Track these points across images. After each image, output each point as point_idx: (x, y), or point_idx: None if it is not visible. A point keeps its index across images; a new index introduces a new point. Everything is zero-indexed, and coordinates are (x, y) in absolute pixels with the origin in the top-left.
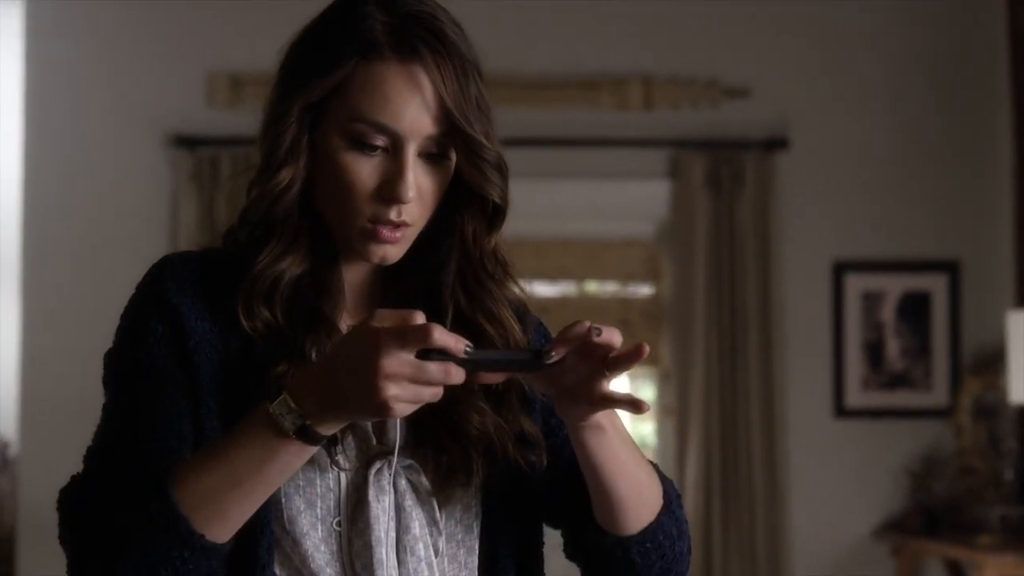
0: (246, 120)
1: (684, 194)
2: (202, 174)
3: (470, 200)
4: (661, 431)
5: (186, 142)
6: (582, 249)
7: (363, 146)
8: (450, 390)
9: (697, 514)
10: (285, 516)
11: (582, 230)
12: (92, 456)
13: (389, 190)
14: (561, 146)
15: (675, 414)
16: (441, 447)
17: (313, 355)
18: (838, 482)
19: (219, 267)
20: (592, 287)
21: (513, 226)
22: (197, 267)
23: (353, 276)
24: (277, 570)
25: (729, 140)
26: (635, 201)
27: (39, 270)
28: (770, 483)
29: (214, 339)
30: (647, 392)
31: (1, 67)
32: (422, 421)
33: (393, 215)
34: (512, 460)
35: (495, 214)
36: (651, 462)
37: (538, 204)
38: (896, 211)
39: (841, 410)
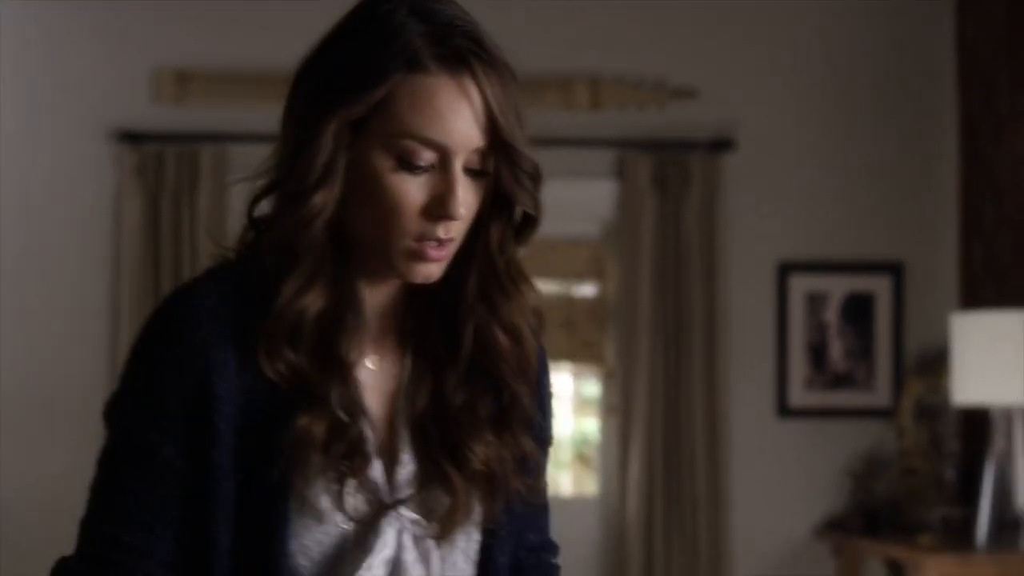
0: (192, 116)
1: (630, 194)
2: (147, 170)
3: (499, 209)
4: (604, 430)
5: (130, 138)
6: (527, 248)
7: (410, 165)
8: (456, 418)
9: (639, 512)
10: (288, 572)
11: None
12: (84, 533)
13: (439, 208)
14: None
15: (619, 413)
16: (448, 486)
17: (331, 402)
18: (781, 481)
19: (241, 298)
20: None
21: None
22: (221, 305)
23: (376, 298)
24: None
25: (675, 141)
26: (581, 201)
27: None
28: (713, 482)
29: (240, 384)
30: (591, 390)
31: None
32: (430, 454)
33: (441, 232)
34: (513, 490)
35: (525, 224)
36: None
37: None
38: (841, 213)
39: (784, 410)
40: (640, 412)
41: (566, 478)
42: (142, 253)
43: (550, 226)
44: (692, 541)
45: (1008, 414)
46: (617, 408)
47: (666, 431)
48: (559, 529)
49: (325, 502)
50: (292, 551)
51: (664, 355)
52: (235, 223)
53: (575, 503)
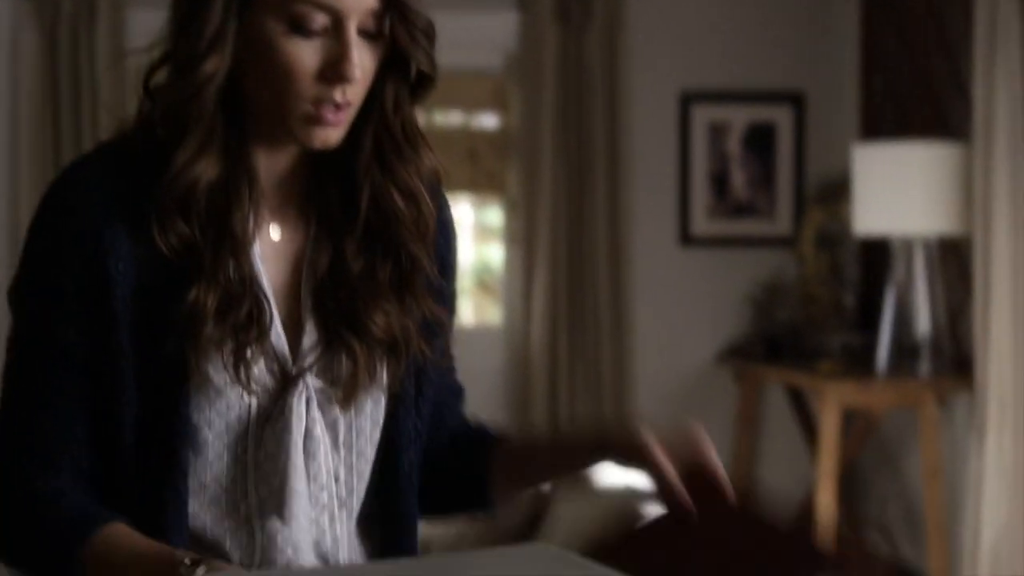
0: None
1: (532, 26)
2: (44, 6)
3: (393, 69)
4: (508, 260)
5: None
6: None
7: (303, 29)
8: (355, 286)
9: (543, 341)
10: (193, 444)
11: None
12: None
13: (334, 71)
14: None
15: (522, 243)
16: (349, 354)
17: (222, 273)
18: (683, 309)
19: (134, 173)
20: (439, 118)
21: None
22: (111, 181)
23: (276, 167)
24: (191, 496)
25: None
26: (483, 32)
27: None
28: (616, 311)
29: (132, 263)
30: (494, 218)
31: None
32: (330, 325)
33: (338, 96)
34: (416, 353)
35: (420, 83)
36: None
37: None
38: (743, 43)
39: (687, 238)
40: (543, 242)
41: (468, 307)
42: (40, 90)
43: (453, 58)
44: (596, 369)
45: (908, 244)
46: (520, 238)
47: (570, 261)
48: (463, 358)
49: (222, 375)
50: (197, 425)
51: (567, 185)
52: (133, 60)
53: (478, 332)
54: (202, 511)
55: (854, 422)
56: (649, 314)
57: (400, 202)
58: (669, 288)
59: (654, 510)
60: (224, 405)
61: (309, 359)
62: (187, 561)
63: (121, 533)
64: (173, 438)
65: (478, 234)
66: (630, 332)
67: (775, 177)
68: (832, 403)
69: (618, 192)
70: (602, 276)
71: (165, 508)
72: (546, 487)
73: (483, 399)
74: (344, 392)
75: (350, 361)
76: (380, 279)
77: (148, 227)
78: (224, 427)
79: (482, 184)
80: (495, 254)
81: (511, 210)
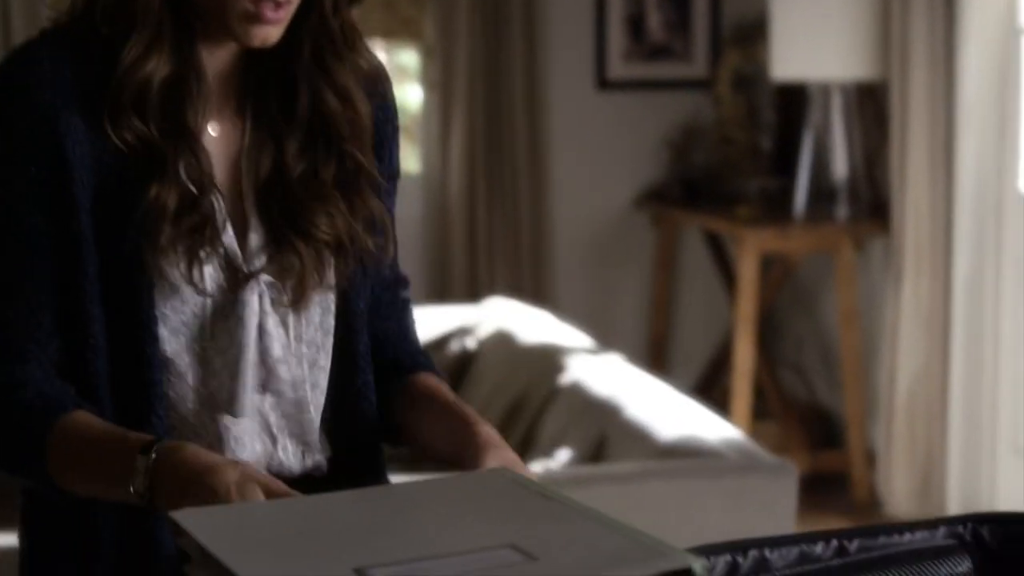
0: None
1: None
2: None
3: None
4: (426, 106)
5: None
6: None
7: None
8: (296, 188)
9: (461, 188)
10: (156, 339)
11: None
12: None
13: None
14: None
15: (439, 89)
16: (296, 253)
17: (180, 172)
18: (600, 153)
19: (85, 60)
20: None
21: None
22: (64, 65)
23: (216, 64)
24: (169, 388)
25: None
26: None
27: None
28: (533, 155)
29: (91, 151)
30: (410, 62)
31: None
32: (275, 225)
33: None
34: (365, 252)
35: None
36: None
37: None
38: None
39: (603, 82)
40: (460, 88)
41: None
42: None
43: None
44: (514, 215)
45: (825, 88)
46: (437, 84)
47: (487, 106)
48: None
49: (177, 274)
50: (155, 320)
51: (483, 30)
52: None
53: None
54: (180, 402)
55: (772, 266)
56: (567, 159)
57: (335, 103)
58: (586, 132)
59: (575, 364)
60: (179, 301)
61: (259, 257)
62: (143, 444)
63: (82, 421)
64: (136, 332)
65: (392, 76)
66: (548, 177)
67: (691, 19)
68: (750, 249)
69: (534, 36)
70: (519, 121)
71: (141, 399)
72: (471, 343)
73: (401, 248)
74: (293, 292)
75: (296, 261)
76: (324, 180)
77: (100, 120)
78: (180, 323)
79: (397, 30)
80: (410, 96)
81: (427, 56)
